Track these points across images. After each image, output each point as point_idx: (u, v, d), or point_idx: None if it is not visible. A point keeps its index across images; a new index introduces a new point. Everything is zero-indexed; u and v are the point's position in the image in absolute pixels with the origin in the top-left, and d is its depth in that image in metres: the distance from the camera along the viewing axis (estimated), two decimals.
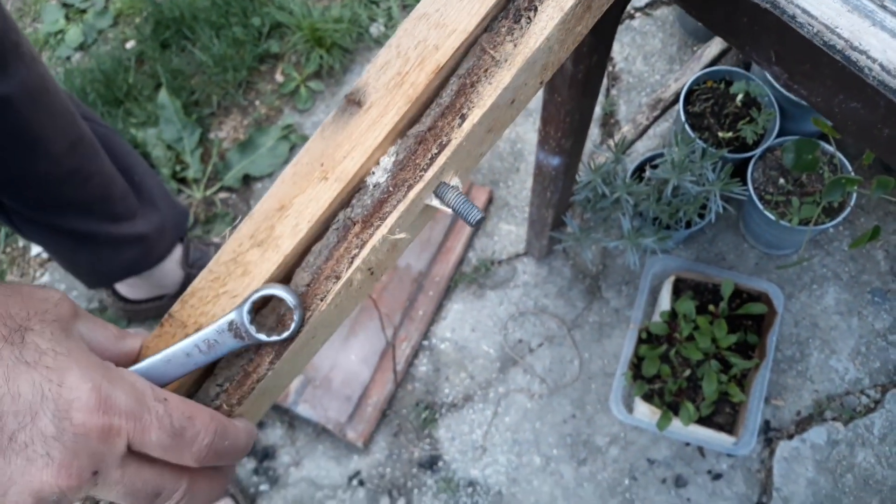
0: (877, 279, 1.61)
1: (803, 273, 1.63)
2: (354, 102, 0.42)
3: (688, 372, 1.48)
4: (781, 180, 1.57)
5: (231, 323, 0.42)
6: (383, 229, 0.42)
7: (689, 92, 1.62)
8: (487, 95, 0.43)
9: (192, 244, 1.57)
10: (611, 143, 1.48)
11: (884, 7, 0.50)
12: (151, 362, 0.43)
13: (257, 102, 1.89)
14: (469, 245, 1.70)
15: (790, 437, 1.49)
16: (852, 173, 1.51)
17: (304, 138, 1.82)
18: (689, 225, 1.55)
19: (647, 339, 1.52)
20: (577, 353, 1.59)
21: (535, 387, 1.57)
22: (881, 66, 0.50)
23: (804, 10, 0.52)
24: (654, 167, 1.52)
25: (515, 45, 0.43)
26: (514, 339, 1.61)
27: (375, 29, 1.92)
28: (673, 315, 1.51)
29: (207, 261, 1.58)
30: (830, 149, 1.50)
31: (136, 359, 0.45)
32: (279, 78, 1.91)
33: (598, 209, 1.52)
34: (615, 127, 1.81)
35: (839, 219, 1.49)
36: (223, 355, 0.43)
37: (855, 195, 1.49)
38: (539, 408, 1.55)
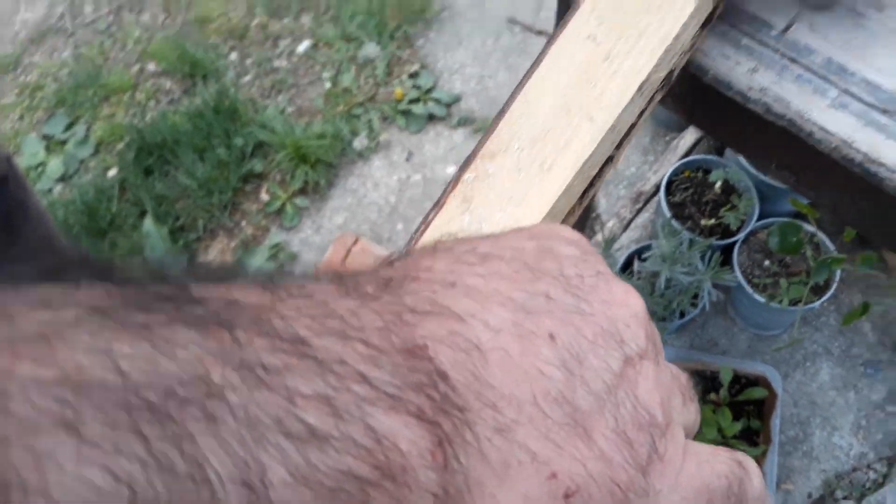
0: (867, 351, 1.65)
1: (795, 352, 1.66)
2: None
3: None
4: (767, 262, 1.61)
5: None
6: None
7: (669, 183, 1.68)
8: None
9: None
10: (598, 238, 1.52)
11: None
12: None
13: (243, 223, 1.91)
14: None
15: None
16: (833, 250, 1.56)
17: (293, 256, 1.83)
18: (682, 315, 1.58)
19: None
20: None
21: None
22: None
23: (821, 128, 0.55)
24: (643, 259, 1.56)
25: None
26: None
27: (358, 143, 1.97)
28: None
29: None
30: (811, 228, 1.56)
31: None
32: (264, 197, 1.93)
33: None
34: (596, 221, 1.86)
35: (827, 296, 1.53)
36: None
37: (839, 271, 1.54)
38: None
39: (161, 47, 2.21)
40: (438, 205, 0.48)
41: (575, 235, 0.29)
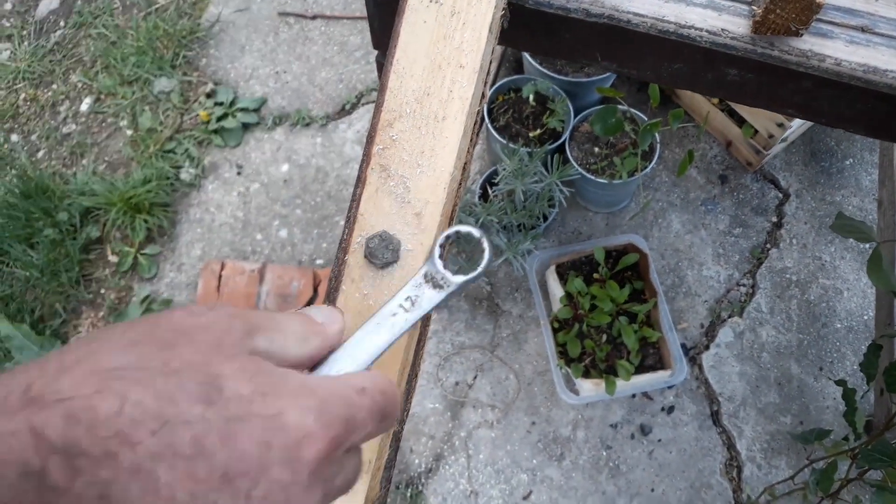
0: (701, 192, 1.86)
1: (646, 215, 1.85)
2: None
3: (605, 337, 1.63)
4: (596, 149, 1.78)
5: (426, 274, 0.43)
6: None
7: (489, 111, 1.80)
8: None
9: None
10: None
11: None
12: (360, 336, 0.41)
13: (103, 291, 1.84)
14: None
15: (707, 347, 1.69)
16: (647, 119, 1.74)
17: (167, 303, 1.80)
18: (545, 218, 1.71)
19: (560, 326, 1.66)
20: (508, 369, 1.70)
21: (489, 416, 1.66)
22: (707, 31, 0.65)
23: (635, 14, 0.66)
24: (494, 184, 1.67)
25: None
26: (450, 384, 1.69)
27: (185, 174, 1.94)
28: (569, 297, 1.67)
29: None
30: (623, 107, 1.73)
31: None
32: (113, 259, 1.87)
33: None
34: None
35: (655, 158, 1.71)
36: (426, 313, 0.43)
37: (658, 134, 1.72)
38: (502, 432, 1.64)
39: None
40: (361, 181, 0.54)
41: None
